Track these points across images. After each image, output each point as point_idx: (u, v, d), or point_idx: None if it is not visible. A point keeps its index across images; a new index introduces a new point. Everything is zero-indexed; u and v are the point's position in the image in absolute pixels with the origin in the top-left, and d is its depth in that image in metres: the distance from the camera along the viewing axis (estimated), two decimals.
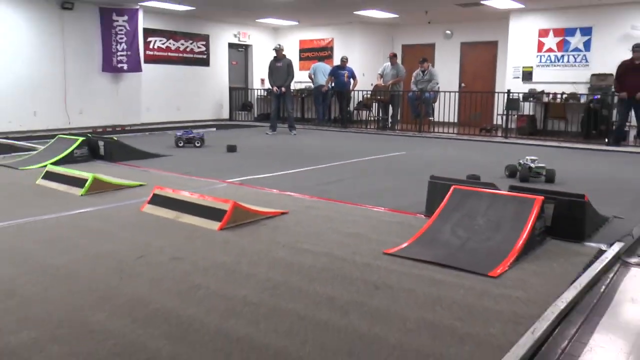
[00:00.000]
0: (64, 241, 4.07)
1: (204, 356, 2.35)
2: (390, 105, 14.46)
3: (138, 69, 13.96)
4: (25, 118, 12.40)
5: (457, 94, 14.01)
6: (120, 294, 3.04)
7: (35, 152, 8.37)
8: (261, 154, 9.29)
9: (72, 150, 7.74)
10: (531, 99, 13.00)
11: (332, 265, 3.54)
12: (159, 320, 2.70)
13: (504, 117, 12.64)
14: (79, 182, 5.75)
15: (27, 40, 12.46)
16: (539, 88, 13.07)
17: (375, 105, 15.19)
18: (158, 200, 4.87)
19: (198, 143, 9.85)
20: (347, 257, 3.69)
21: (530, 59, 13.41)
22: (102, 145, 8.06)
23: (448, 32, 15.79)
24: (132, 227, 4.44)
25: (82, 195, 5.58)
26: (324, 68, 14.93)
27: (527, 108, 13.28)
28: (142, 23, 14.08)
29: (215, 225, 4.30)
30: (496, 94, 13.55)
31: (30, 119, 12.48)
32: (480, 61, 15.45)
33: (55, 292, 3.08)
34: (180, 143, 9.78)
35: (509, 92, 12.51)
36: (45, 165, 6.85)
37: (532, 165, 6.37)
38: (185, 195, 4.81)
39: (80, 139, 7.98)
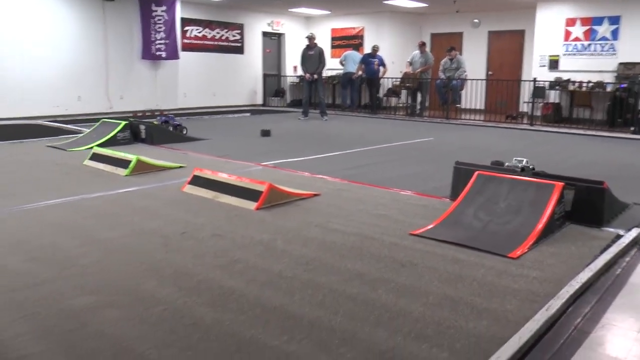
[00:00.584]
0: (112, 217, 4.38)
1: (244, 323, 2.59)
2: (418, 92, 14.58)
3: (176, 56, 14.34)
4: (70, 103, 12.92)
5: (484, 81, 14.02)
6: (166, 266, 3.31)
7: (81, 134, 8.76)
8: (294, 139, 9.51)
9: (116, 134, 8.10)
10: (557, 87, 12.97)
11: (361, 244, 3.76)
12: (203, 289, 2.96)
13: (530, 105, 12.64)
14: (123, 163, 6.08)
15: (72, 30, 12.95)
16: (565, 76, 13.03)
17: (404, 92, 15.33)
18: (198, 181, 5.15)
19: (185, 131, 9.21)
20: (375, 237, 3.90)
21: (557, 48, 13.34)
22: (143, 129, 8.40)
23: (476, 20, 15.74)
24: (174, 206, 4.72)
25: (126, 175, 5.91)
26: (355, 56, 15.08)
27: (553, 96, 13.23)
28: (179, 13, 14.42)
29: (251, 205, 4.56)
30: (522, 82, 13.53)
31: (74, 104, 12.98)
32: (507, 50, 15.42)
33: (108, 262, 3.38)
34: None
35: (535, 80, 12.51)
36: (91, 147, 7.23)
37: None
38: (223, 176, 5.07)
39: (123, 122, 8.33)
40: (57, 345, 2.39)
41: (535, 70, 13.53)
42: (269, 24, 17.23)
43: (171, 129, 9.05)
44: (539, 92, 12.69)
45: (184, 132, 9.11)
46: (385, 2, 14.21)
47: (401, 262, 3.42)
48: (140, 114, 13.04)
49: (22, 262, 3.39)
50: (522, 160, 5.71)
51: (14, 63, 12.14)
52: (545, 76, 13.12)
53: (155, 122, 8.79)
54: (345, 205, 4.79)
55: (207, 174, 5.18)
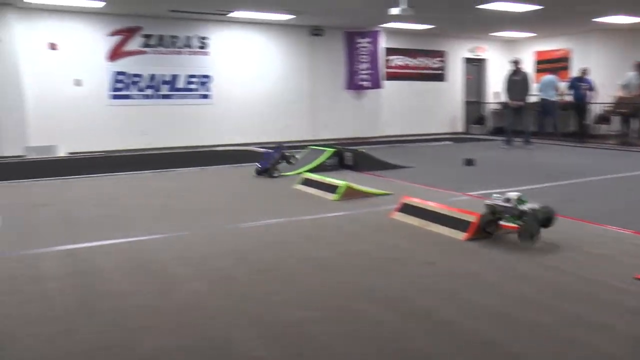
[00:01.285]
0: (324, 239, 4.62)
1: (463, 356, 2.53)
2: (632, 119, 13.23)
3: (379, 86, 14.83)
4: (279, 131, 13.98)
5: None
6: (379, 289, 3.38)
7: None
8: (497, 168, 9.20)
9: (324, 160, 8.55)
10: None
11: (580, 285, 3.47)
12: (418, 317, 2.97)
13: None
14: (332, 189, 6.38)
15: (281, 63, 14.13)
16: None
17: (616, 119, 14.03)
18: (407, 208, 5.21)
19: (293, 161, 8.53)
20: (595, 278, 3.57)
21: None
22: (350, 156, 8.74)
23: None
24: (383, 232, 4.82)
25: (335, 200, 6.19)
26: (551, 81, 14.03)
27: None
28: (383, 43, 14.88)
29: (460, 235, 4.49)
30: None
31: (282, 132, 14.03)
32: None
33: (325, 281, 3.56)
34: (275, 174, 8.07)
35: None
36: (301, 173, 7.70)
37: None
38: (431, 205, 5.06)
39: (331, 150, 8.76)
40: (285, 352, 2.57)
41: None
42: (470, 50, 17.05)
43: (276, 173, 8.07)
44: None
45: (292, 161, 8.45)
46: (595, 19, 13.24)
47: (629, 308, 3.08)
48: (343, 142, 13.63)
49: (248, 274, 3.72)
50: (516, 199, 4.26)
51: (230, 95, 13.54)
52: None
53: (360, 150, 9.05)
54: (559, 242, 4.48)
55: (416, 202, 5.21)
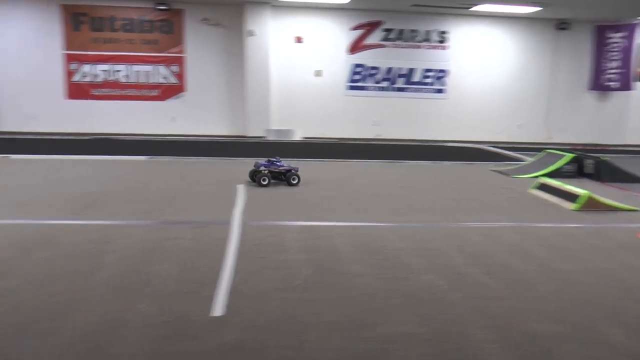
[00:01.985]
0: (563, 250, 4.38)
1: None
2: None
3: (629, 87, 13.45)
4: (511, 130, 13.54)
5: None
6: (626, 314, 3.11)
7: (523, 162, 9.02)
8: None
9: (562, 166, 8.06)
10: None
11: None
12: None
13: None
14: (571, 197, 6.01)
15: (520, 59, 13.61)
16: None
17: None
18: None
19: (294, 179, 6.93)
20: None
21: None
22: (590, 164, 8.11)
23: None
24: (629, 251, 4.42)
25: (573, 210, 5.82)
26: None
27: None
28: (638, 39, 13.48)
29: None
30: None
31: (515, 132, 13.55)
32: None
33: (566, 295, 3.38)
34: (265, 180, 6.80)
35: None
36: (536, 176, 7.36)
37: None
38: None
39: (570, 155, 8.21)
40: None
41: None
42: None
43: (265, 180, 6.78)
44: None
45: (293, 180, 6.92)
46: None
47: None
48: (580, 147, 12.72)
49: (479, 274, 3.70)
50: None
51: (464, 91, 13.42)
52: None
53: (605, 158, 8.35)
54: None
55: None
